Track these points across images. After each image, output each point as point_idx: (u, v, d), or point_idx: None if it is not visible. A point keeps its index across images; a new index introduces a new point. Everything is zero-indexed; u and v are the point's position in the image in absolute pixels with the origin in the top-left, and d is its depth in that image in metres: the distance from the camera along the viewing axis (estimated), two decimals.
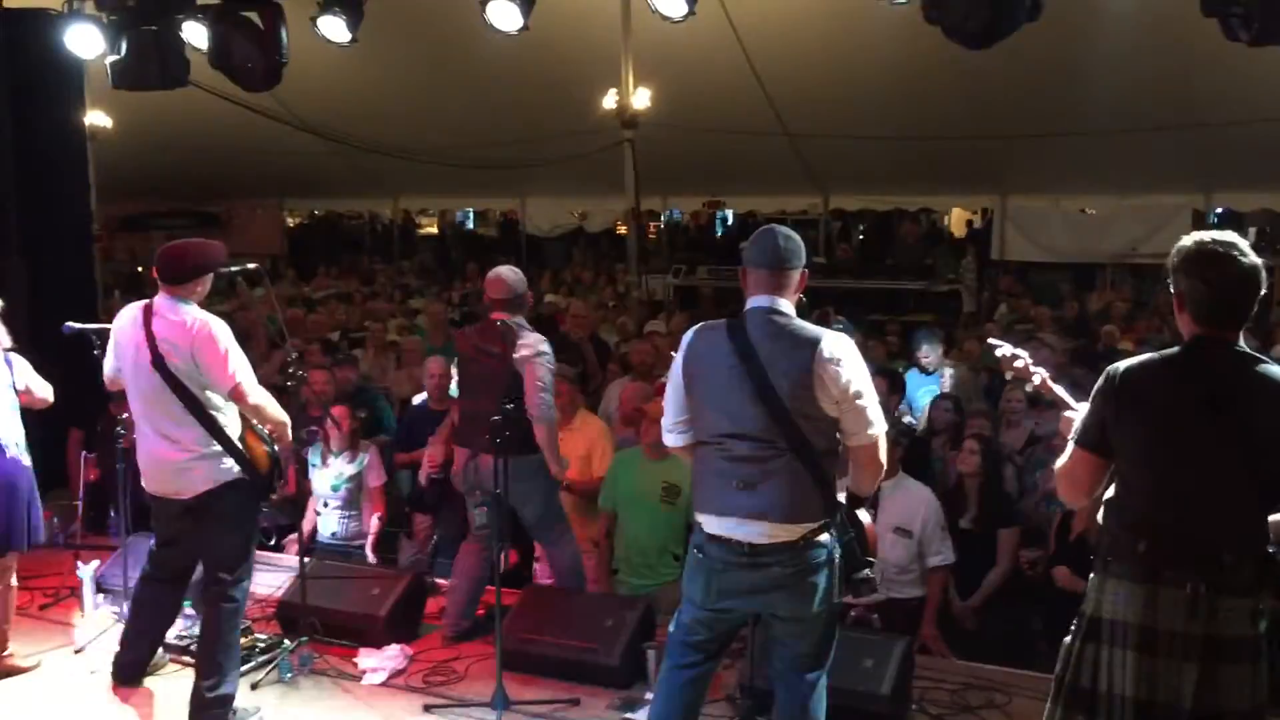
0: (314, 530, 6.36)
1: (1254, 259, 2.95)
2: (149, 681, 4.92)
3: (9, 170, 7.36)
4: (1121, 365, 3.08)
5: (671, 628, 3.76)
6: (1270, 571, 2.95)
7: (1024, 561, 5.18)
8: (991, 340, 3.97)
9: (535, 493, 5.20)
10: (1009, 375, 3.59)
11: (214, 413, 4.47)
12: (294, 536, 6.35)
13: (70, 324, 5.20)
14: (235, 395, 4.44)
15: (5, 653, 5.01)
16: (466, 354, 5.28)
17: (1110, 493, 3.13)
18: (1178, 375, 2.99)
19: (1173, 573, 2.92)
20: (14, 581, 5.15)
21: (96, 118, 10.78)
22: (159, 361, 4.40)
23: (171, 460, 4.47)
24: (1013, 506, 5.76)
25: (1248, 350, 2.98)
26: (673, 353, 3.85)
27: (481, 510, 5.05)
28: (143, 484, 4.64)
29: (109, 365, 4.71)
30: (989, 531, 5.61)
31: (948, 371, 8.02)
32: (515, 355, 5.01)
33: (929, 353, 7.83)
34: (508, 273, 5.28)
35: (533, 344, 5.06)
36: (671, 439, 3.72)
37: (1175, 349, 3.05)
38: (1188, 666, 2.89)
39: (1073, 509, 5.10)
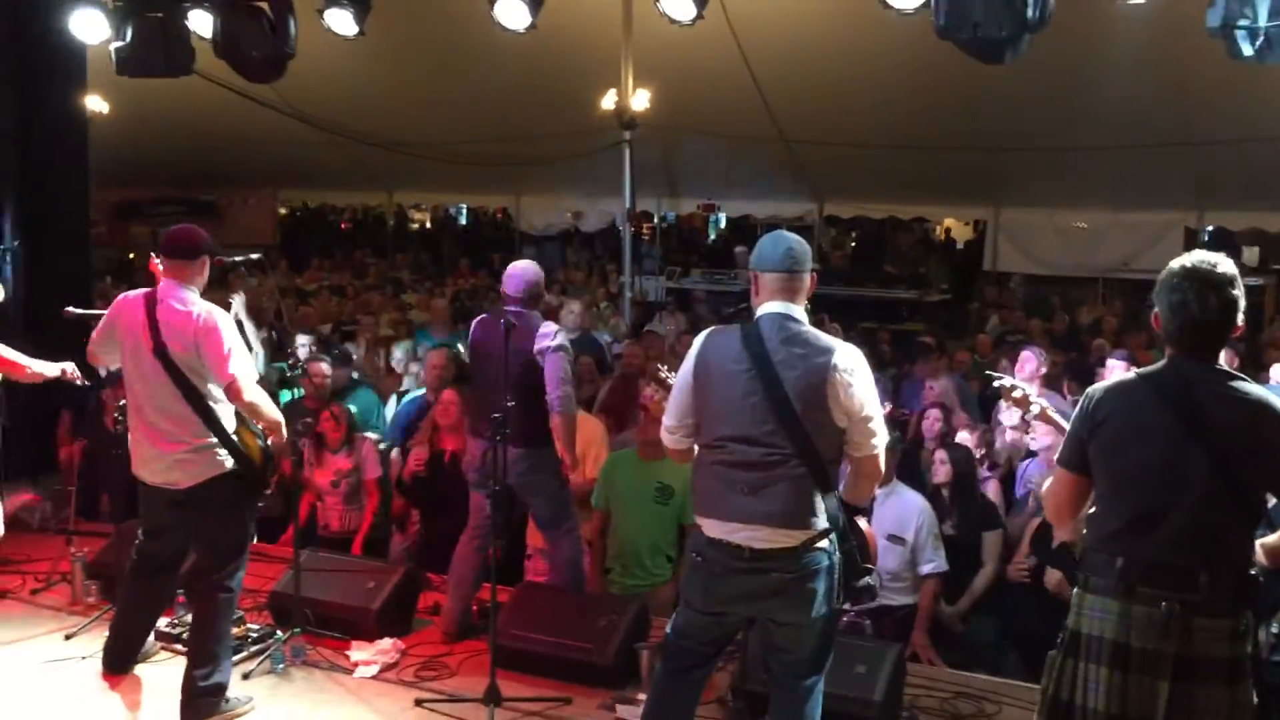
0: (308, 522, 6.36)
1: (1231, 290, 2.98)
2: (139, 669, 4.92)
3: (11, 154, 7.33)
4: (1100, 385, 3.15)
5: (668, 629, 3.78)
6: (1251, 591, 2.98)
7: (1021, 568, 5.20)
8: (991, 373, 4.02)
9: (548, 485, 5.24)
10: (1008, 405, 3.64)
11: (212, 404, 4.46)
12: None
13: (70, 309, 5.19)
14: (232, 391, 4.42)
15: None
16: (480, 346, 5.28)
17: (1092, 509, 3.17)
18: (1154, 395, 3.02)
19: (1147, 590, 2.95)
20: None
21: (94, 103, 10.72)
22: (160, 350, 4.37)
23: (167, 452, 4.45)
24: (993, 511, 5.81)
25: (1225, 369, 3.03)
26: (660, 365, 3.88)
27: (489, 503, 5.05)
28: (134, 472, 4.61)
29: (95, 341, 4.67)
30: (971, 537, 5.65)
31: (931, 382, 8.03)
32: (535, 347, 5.04)
33: (924, 363, 7.87)
34: (524, 268, 5.28)
35: (551, 335, 5.08)
36: (672, 440, 3.74)
37: (1152, 368, 3.11)
38: (1160, 684, 2.91)
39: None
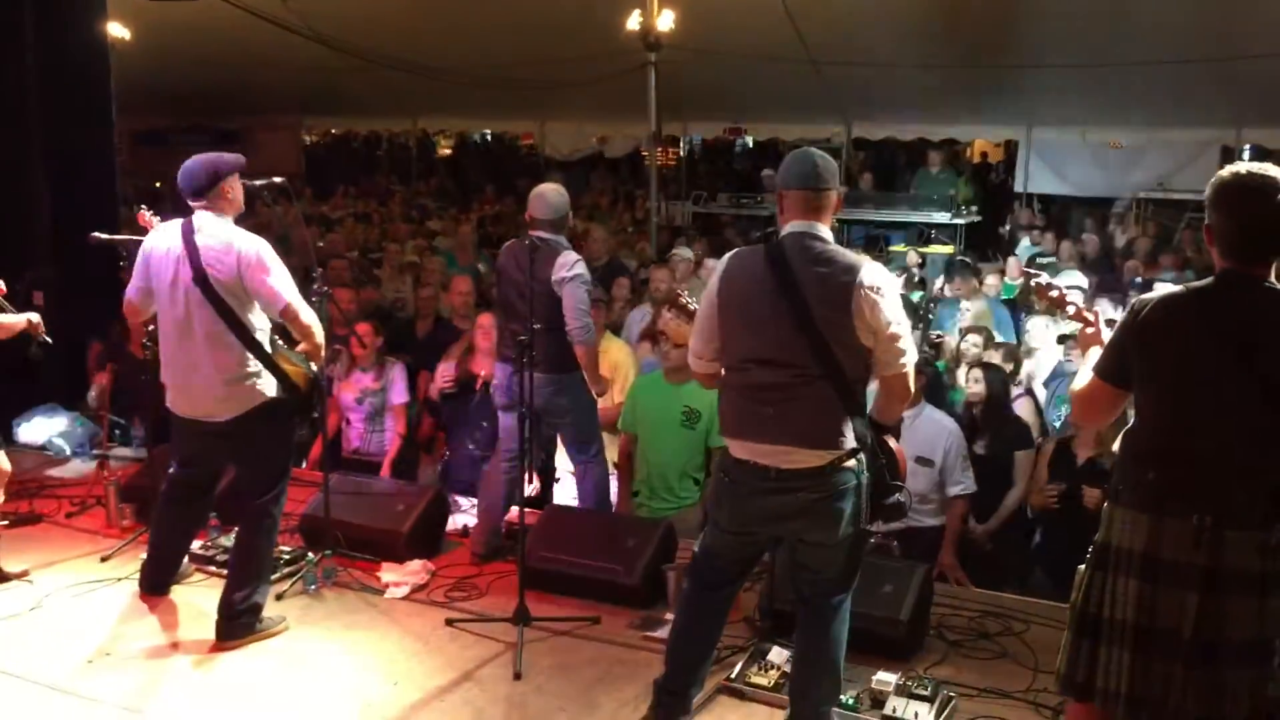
0: (336, 445, 6.41)
1: None
2: (174, 590, 4.99)
3: (33, 81, 7.29)
4: (1148, 296, 3.08)
5: (695, 549, 3.79)
6: None
7: (1050, 496, 5.19)
8: (1028, 269, 3.95)
9: (575, 408, 5.25)
10: (1043, 304, 3.57)
11: (254, 332, 4.44)
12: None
13: (97, 234, 5.16)
14: (286, 315, 4.39)
15: None
16: (505, 271, 5.27)
17: (1130, 422, 3.14)
18: (1201, 308, 2.96)
19: (1179, 504, 2.93)
20: None
21: (115, 29, 10.65)
22: (201, 278, 4.32)
23: (210, 385, 4.42)
24: (1026, 431, 5.78)
25: (1277, 286, 2.96)
26: (682, 290, 3.87)
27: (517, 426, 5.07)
28: (170, 406, 4.60)
29: (133, 289, 4.59)
30: (1003, 456, 5.63)
31: (970, 304, 7.99)
32: (553, 277, 5.00)
33: (960, 285, 7.85)
34: (550, 192, 5.22)
35: (569, 265, 5.03)
36: (700, 364, 3.72)
37: (1202, 282, 3.04)
38: (1188, 596, 2.91)
39: (1071, 434, 5.18)
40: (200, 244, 4.35)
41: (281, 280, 4.37)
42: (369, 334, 6.37)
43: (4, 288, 5.15)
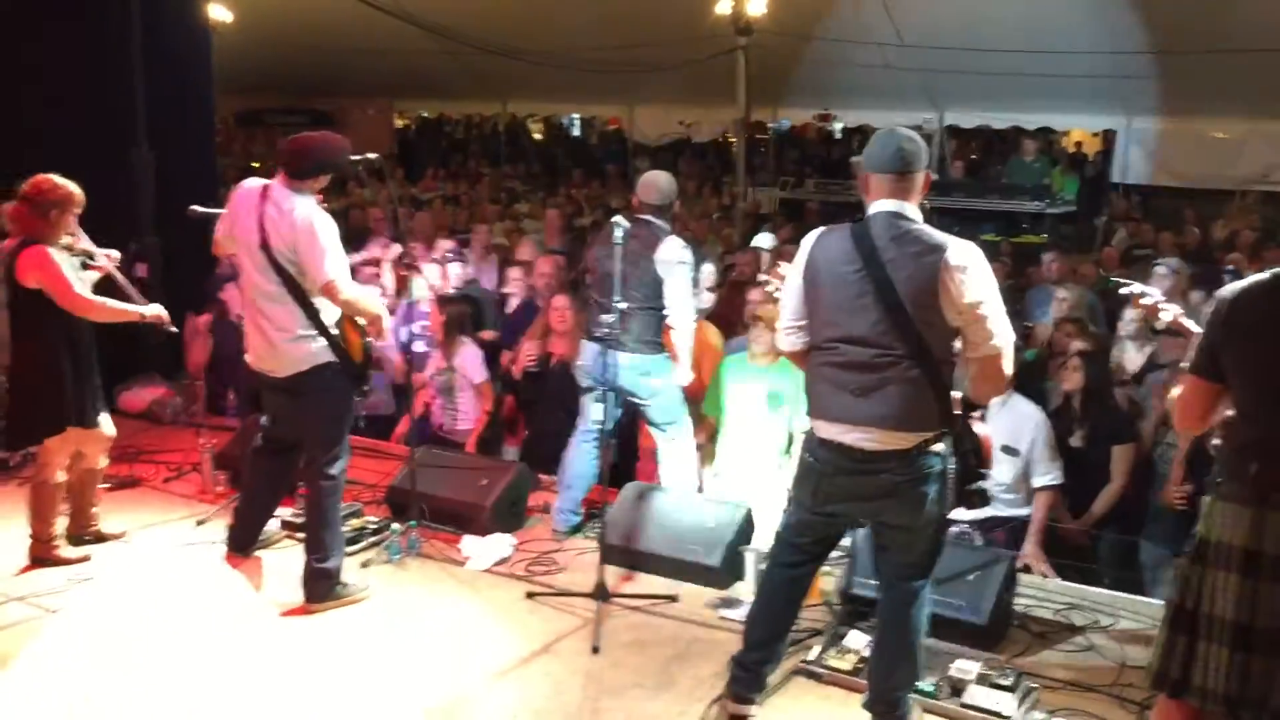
0: (422, 419, 6.51)
1: None
2: (263, 553, 5.13)
3: (137, 60, 7.51)
4: (1232, 287, 3.01)
5: (777, 528, 3.79)
6: None
7: (1177, 495, 5.05)
8: (1117, 279, 3.86)
9: (662, 390, 5.27)
10: (1138, 312, 3.49)
11: (313, 299, 4.55)
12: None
13: (195, 208, 5.30)
14: (327, 291, 4.49)
15: (54, 542, 5.06)
16: (602, 252, 5.30)
17: (1228, 414, 3.06)
18: None
19: None
20: (98, 464, 5.27)
21: (217, 12, 10.91)
22: (265, 244, 4.49)
23: (268, 339, 4.59)
24: (1126, 424, 5.64)
25: None
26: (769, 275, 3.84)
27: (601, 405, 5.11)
28: (245, 358, 4.77)
29: (220, 228, 4.77)
30: (1100, 449, 5.50)
31: (1062, 293, 7.83)
32: (658, 259, 5.05)
33: (1055, 268, 7.80)
34: (659, 178, 5.30)
35: (676, 250, 5.08)
36: (787, 343, 3.70)
37: None
38: None
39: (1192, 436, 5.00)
40: (268, 212, 4.50)
41: (328, 257, 4.45)
42: (434, 312, 6.46)
43: (118, 255, 5.33)
